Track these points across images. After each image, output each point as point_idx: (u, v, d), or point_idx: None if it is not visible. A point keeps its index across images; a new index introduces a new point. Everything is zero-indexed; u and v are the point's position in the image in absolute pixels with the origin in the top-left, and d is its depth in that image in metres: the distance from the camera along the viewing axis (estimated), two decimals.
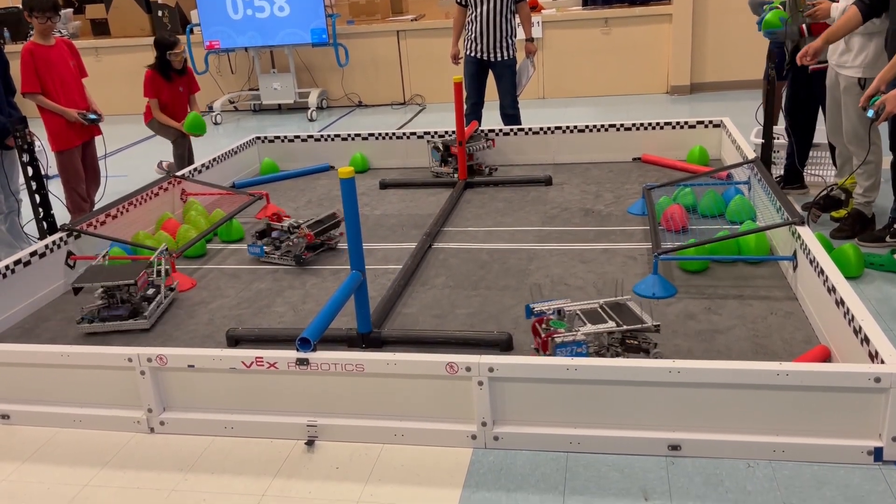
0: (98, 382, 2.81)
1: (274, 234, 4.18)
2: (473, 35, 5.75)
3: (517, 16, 5.79)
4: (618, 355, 2.67)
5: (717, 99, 7.93)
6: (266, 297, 3.72)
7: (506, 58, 5.75)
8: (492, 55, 5.75)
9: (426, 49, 8.80)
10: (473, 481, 2.41)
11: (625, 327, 2.70)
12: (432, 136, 5.64)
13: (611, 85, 8.57)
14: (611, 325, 2.71)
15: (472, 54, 5.81)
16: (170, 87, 5.70)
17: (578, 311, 2.84)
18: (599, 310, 2.84)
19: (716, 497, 2.26)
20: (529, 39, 5.92)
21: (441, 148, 5.41)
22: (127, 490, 2.48)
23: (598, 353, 2.69)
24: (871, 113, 3.38)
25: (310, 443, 2.64)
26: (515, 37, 5.78)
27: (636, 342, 2.71)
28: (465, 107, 5.90)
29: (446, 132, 5.66)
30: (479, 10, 5.65)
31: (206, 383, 2.73)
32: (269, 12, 8.36)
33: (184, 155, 5.86)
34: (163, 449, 2.69)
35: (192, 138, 5.89)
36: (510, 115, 5.95)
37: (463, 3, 5.81)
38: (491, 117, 6.14)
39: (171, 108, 5.76)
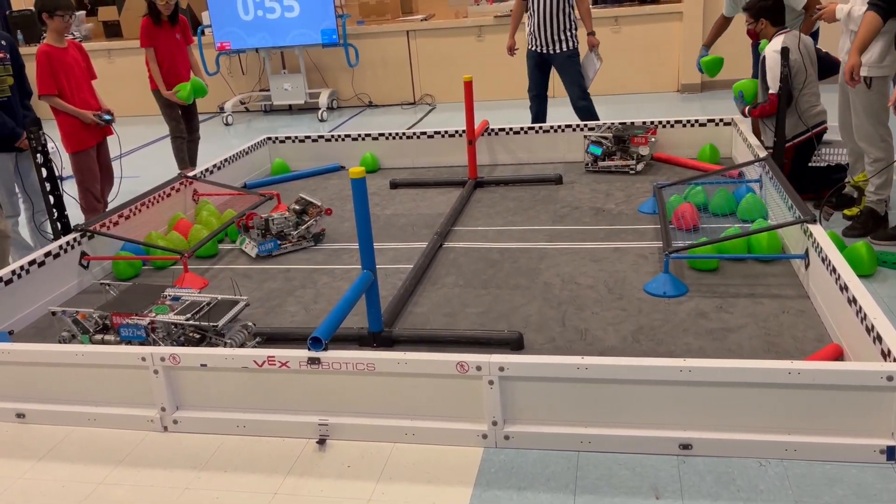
0: (112, 381, 2.84)
1: (276, 226, 4.28)
2: (532, 29, 5.77)
3: (577, 9, 5.78)
4: (183, 343, 3.02)
5: (728, 97, 7.85)
6: (278, 296, 3.74)
7: (563, 50, 5.75)
8: (550, 48, 5.76)
9: (436, 49, 8.81)
10: (484, 480, 2.41)
11: (191, 322, 3.00)
12: (591, 129, 5.48)
13: (621, 83, 8.55)
14: (178, 318, 3.01)
15: (532, 48, 5.85)
16: (165, 34, 5.63)
17: (190, 301, 3.14)
18: (206, 304, 3.12)
19: (728, 496, 2.25)
20: (591, 33, 5.89)
21: (605, 140, 5.24)
22: (141, 488, 2.50)
23: (164, 339, 3.01)
24: None
25: (321, 441, 2.66)
26: (576, 29, 5.76)
27: (199, 336, 3.03)
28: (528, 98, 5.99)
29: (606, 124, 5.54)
30: (537, 4, 5.66)
31: (219, 382, 2.75)
32: (280, 13, 8.39)
33: (182, 147, 5.89)
34: (176, 447, 2.71)
35: (199, 135, 5.94)
36: (581, 106, 5.91)
37: None
38: (559, 113, 6.11)
39: (169, 59, 5.65)
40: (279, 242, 4.29)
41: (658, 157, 5.44)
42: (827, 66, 4.55)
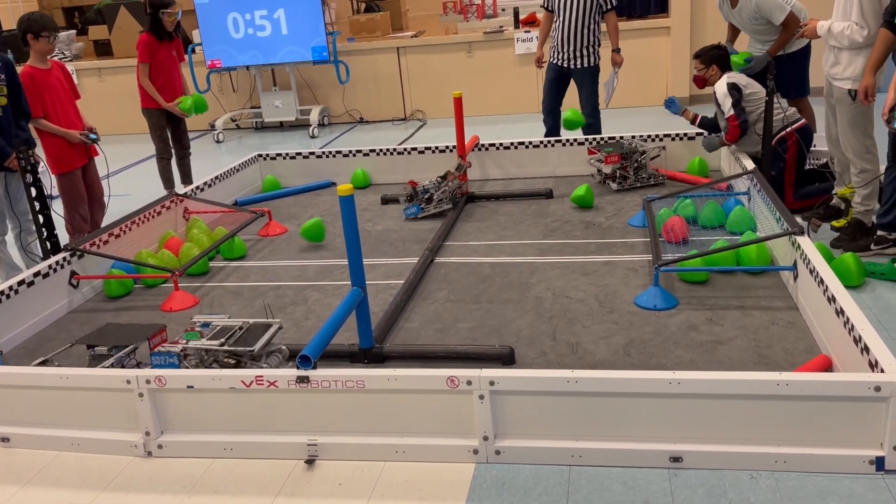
0: (96, 405, 2.80)
1: (422, 192, 4.95)
2: (556, 42, 5.79)
3: (604, 25, 5.81)
4: (222, 367, 2.90)
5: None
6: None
7: (585, 65, 5.76)
8: (572, 63, 5.76)
9: (426, 65, 8.85)
10: (476, 496, 2.40)
11: (225, 348, 2.90)
12: (597, 142, 5.49)
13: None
14: (212, 343, 2.91)
15: (554, 61, 5.86)
16: (163, 51, 5.67)
17: (221, 327, 3.03)
18: (238, 329, 3.01)
19: None
20: (616, 50, 5.91)
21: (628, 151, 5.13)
22: None
23: (197, 367, 2.90)
24: None
25: (309, 462, 2.64)
26: (599, 46, 5.78)
27: (234, 361, 2.92)
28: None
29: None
30: (562, 18, 5.69)
31: (206, 404, 2.73)
32: (270, 31, 8.42)
33: (168, 167, 5.91)
34: (164, 470, 2.69)
35: (191, 151, 5.98)
36: (589, 123, 5.93)
37: (549, 8, 5.86)
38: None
39: (165, 75, 5.68)
40: (421, 206, 4.92)
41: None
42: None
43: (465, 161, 5.13)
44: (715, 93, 4.69)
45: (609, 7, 5.72)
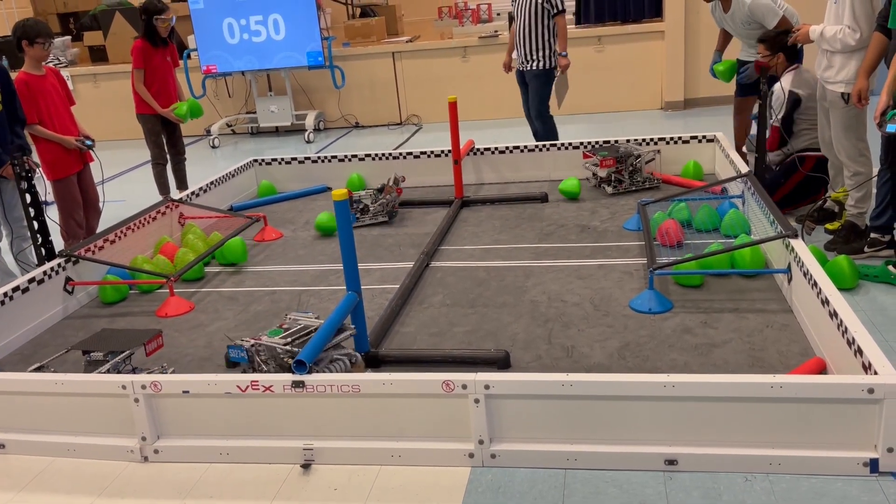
0: (92, 410, 2.80)
1: (357, 203, 4.96)
2: (516, 47, 6.01)
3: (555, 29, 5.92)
4: (282, 370, 2.86)
5: (710, 114, 7.96)
6: (264, 318, 3.73)
7: (533, 68, 5.93)
8: (525, 65, 5.97)
9: (422, 70, 8.87)
10: (472, 500, 2.41)
11: (287, 348, 2.86)
12: (592, 146, 5.50)
13: (605, 102, 8.62)
14: (277, 341, 2.89)
15: (518, 66, 6.10)
16: (157, 56, 5.69)
17: (301, 326, 3.00)
18: (314, 331, 2.96)
19: None
20: (562, 54, 5.98)
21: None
22: None
23: (267, 362, 2.89)
24: (892, 128, 3.35)
25: (305, 466, 2.64)
26: (548, 49, 5.88)
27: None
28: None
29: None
30: (516, 23, 5.95)
31: (202, 409, 2.73)
32: (266, 36, 8.43)
33: (163, 173, 5.91)
34: (159, 476, 2.68)
35: (186, 156, 6.00)
36: (536, 127, 6.10)
37: (513, 16, 6.08)
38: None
39: (160, 80, 5.70)
40: (357, 216, 4.95)
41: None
42: None
43: (402, 177, 5.21)
44: (773, 91, 4.50)
45: (556, 11, 5.83)
